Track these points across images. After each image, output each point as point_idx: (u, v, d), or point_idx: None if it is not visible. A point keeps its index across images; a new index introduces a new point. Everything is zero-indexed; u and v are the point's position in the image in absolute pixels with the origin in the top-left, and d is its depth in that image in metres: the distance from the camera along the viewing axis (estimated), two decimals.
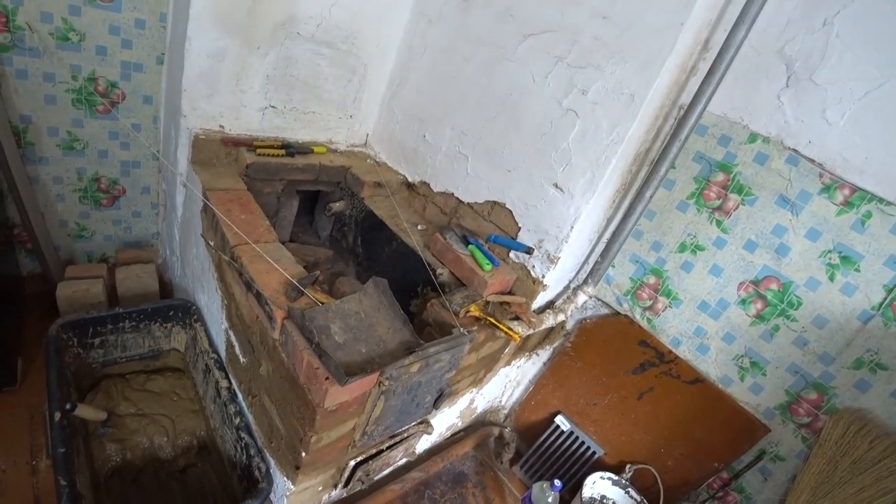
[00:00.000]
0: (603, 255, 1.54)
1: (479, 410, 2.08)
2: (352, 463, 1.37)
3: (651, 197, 1.43)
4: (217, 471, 1.57)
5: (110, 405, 1.59)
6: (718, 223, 1.44)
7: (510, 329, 1.34)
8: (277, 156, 1.67)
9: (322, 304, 1.13)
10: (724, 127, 1.38)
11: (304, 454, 1.18)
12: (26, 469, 1.50)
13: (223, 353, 1.61)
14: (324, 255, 1.80)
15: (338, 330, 1.06)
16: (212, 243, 1.44)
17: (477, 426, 2.14)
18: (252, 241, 1.31)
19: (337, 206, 1.84)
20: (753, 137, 1.34)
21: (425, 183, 1.80)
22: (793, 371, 1.39)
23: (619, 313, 1.69)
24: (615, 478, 1.74)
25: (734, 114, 1.36)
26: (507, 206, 1.55)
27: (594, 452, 1.81)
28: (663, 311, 1.60)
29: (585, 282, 1.59)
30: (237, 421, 1.45)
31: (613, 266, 1.66)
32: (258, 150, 1.65)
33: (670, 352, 1.60)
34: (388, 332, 1.12)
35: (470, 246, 1.52)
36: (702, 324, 1.53)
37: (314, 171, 1.75)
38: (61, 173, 1.84)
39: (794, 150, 1.28)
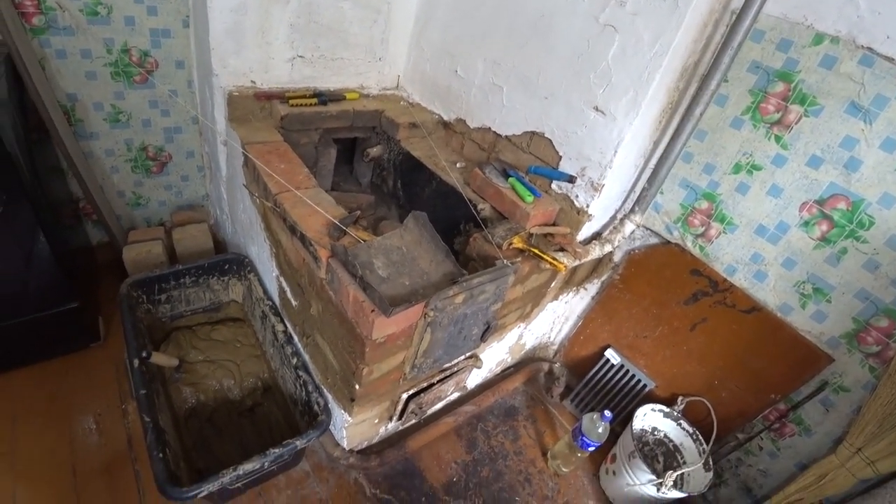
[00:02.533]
0: (650, 181, 1.47)
1: (528, 346, 2.10)
2: (404, 396, 1.43)
3: (701, 115, 1.33)
4: (281, 408, 1.68)
5: (181, 354, 1.72)
6: (778, 139, 1.33)
7: (555, 259, 1.31)
8: (310, 105, 1.67)
9: (364, 241, 1.15)
10: (784, 30, 1.25)
11: (357, 387, 1.24)
12: (118, 412, 1.68)
13: (277, 299, 1.69)
14: (365, 200, 1.81)
15: (381, 265, 1.08)
16: (255, 195, 1.48)
17: (527, 362, 2.17)
18: (292, 188, 1.34)
19: (374, 151, 1.83)
20: (819, 38, 1.20)
21: (461, 120, 1.75)
22: (862, 297, 1.30)
23: (669, 242, 1.63)
24: (666, 410, 1.73)
25: (796, 13, 1.22)
26: (546, 135, 1.49)
27: (645, 385, 1.80)
28: (717, 237, 1.52)
29: (632, 210, 1.53)
30: (295, 361, 1.53)
31: (662, 192, 1.58)
32: (291, 102, 1.66)
33: (725, 280, 1.53)
34: (430, 265, 1.13)
35: (510, 179, 1.48)
36: (759, 249, 1.44)
37: (348, 118, 1.74)
38: (111, 146, 1.93)
39: (869, 49, 1.13)
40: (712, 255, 1.54)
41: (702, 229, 1.54)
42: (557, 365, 2.07)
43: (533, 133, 1.53)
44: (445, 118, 1.82)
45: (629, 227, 1.55)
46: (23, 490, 1.44)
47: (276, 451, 1.27)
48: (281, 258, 1.49)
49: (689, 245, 1.59)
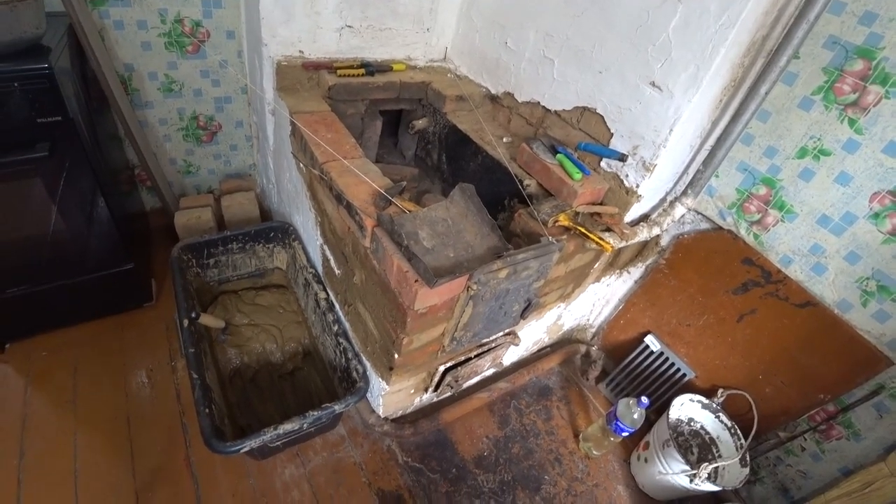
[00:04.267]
0: (705, 163, 1.40)
1: (566, 327, 2.08)
2: (441, 368, 1.44)
3: (766, 94, 1.24)
4: (320, 373, 1.73)
5: (227, 317, 1.79)
6: (851, 122, 1.23)
7: (601, 239, 1.28)
8: (357, 76, 1.67)
9: (409, 212, 1.14)
10: (869, 1, 1.15)
11: (396, 356, 1.26)
12: (168, 368, 1.77)
13: (320, 268, 1.72)
14: (409, 173, 1.81)
15: (425, 236, 1.08)
16: (302, 163, 1.50)
17: (564, 343, 2.16)
18: (340, 157, 1.34)
19: (419, 123, 1.82)
20: None
21: (509, 94, 1.71)
22: None
23: (721, 228, 1.56)
24: (705, 401, 1.68)
25: None
26: (597, 111, 1.44)
27: (684, 375, 1.75)
28: (774, 225, 1.44)
29: (684, 193, 1.47)
30: (335, 328, 1.57)
31: (717, 176, 1.51)
32: (339, 72, 1.66)
33: (779, 271, 1.46)
34: (475, 238, 1.12)
35: (558, 155, 1.44)
36: (820, 240, 1.36)
37: (395, 89, 1.73)
38: (165, 115, 1.99)
39: None
40: (767, 245, 1.47)
41: (758, 216, 1.47)
42: (595, 348, 2.05)
43: (584, 108, 1.47)
44: (493, 92, 1.78)
45: (680, 210, 1.49)
46: (82, 435, 1.55)
47: (316, 413, 1.31)
48: (326, 227, 1.51)
49: (742, 232, 1.52)
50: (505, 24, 1.65)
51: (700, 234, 1.61)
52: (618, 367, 1.93)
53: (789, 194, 1.39)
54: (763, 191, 1.44)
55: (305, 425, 1.30)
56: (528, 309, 1.35)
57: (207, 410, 1.27)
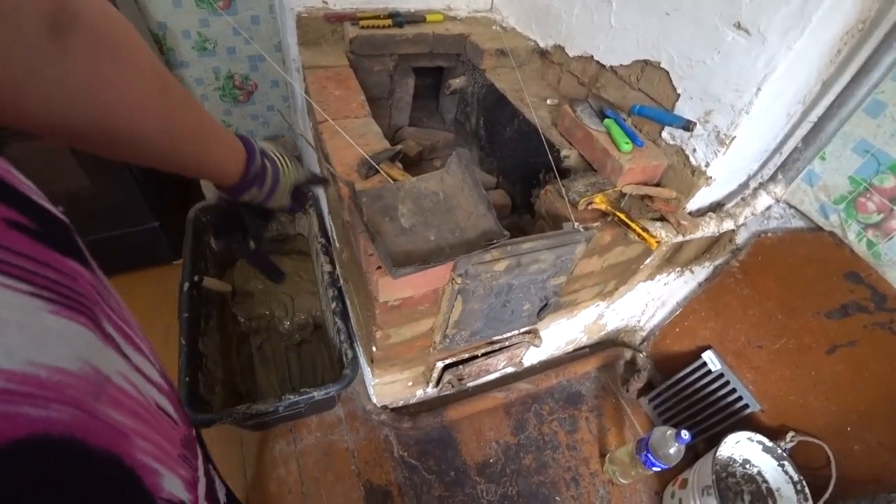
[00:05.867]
0: (807, 139, 1.04)
1: (609, 328, 1.79)
2: (440, 364, 1.26)
3: None
4: (327, 348, 1.65)
5: (242, 282, 1.74)
6: None
7: (646, 231, 0.99)
8: (383, 27, 1.46)
9: (395, 181, 0.95)
10: None
11: (374, 348, 1.10)
12: None
13: (327, 238, 1.61)
14: (444, 138, 1.60)
15: (406, 212, 0.88)
16: (310, 124, 1.35)
17: (606, 344, 1.86)
18: (340, 117, 1.18)
19: (457, 82, 1.57)
20: None
21: (559, 47, 1.40)
22: None
23: (820, 229, 1.18)
24: (768, 444, 1.35)
25: None
26: (661, 65, 1.10)
27: (746, 405, 1.43)
28: None
29: (773, 178, 1.11)
30: (334, 305, 1.44)
31: (822, 158, 1.13)
32: (361, 23, 1.46)
33: None
34: (468, 219, 0.90)
35: (606, 120, 1.14)
36: None
37: (427, 42, 1.50)
38: (201, 74, 1.96)
39: None
40: (886, 258, 1.09)
41: (877, 218, 1.08)
42: (642, 355, 1.74)
43: (645, 62, 1.15)
44: (542, 45, 1.49)
45: (764, 200, 1.14)
46: None
47: (292, 398, 1.21)
48: (330, 194, 1.37)
49: (850, 237, 1.14)
50: None
51: (790, 233, 1.24)
52: (666, 383, 1.62)
53: None
54: (891, 182, 1.05)
55: (281, 408, 1.20)
56: (546, 309, 1.12)
57: (188, 379, 1.22)
